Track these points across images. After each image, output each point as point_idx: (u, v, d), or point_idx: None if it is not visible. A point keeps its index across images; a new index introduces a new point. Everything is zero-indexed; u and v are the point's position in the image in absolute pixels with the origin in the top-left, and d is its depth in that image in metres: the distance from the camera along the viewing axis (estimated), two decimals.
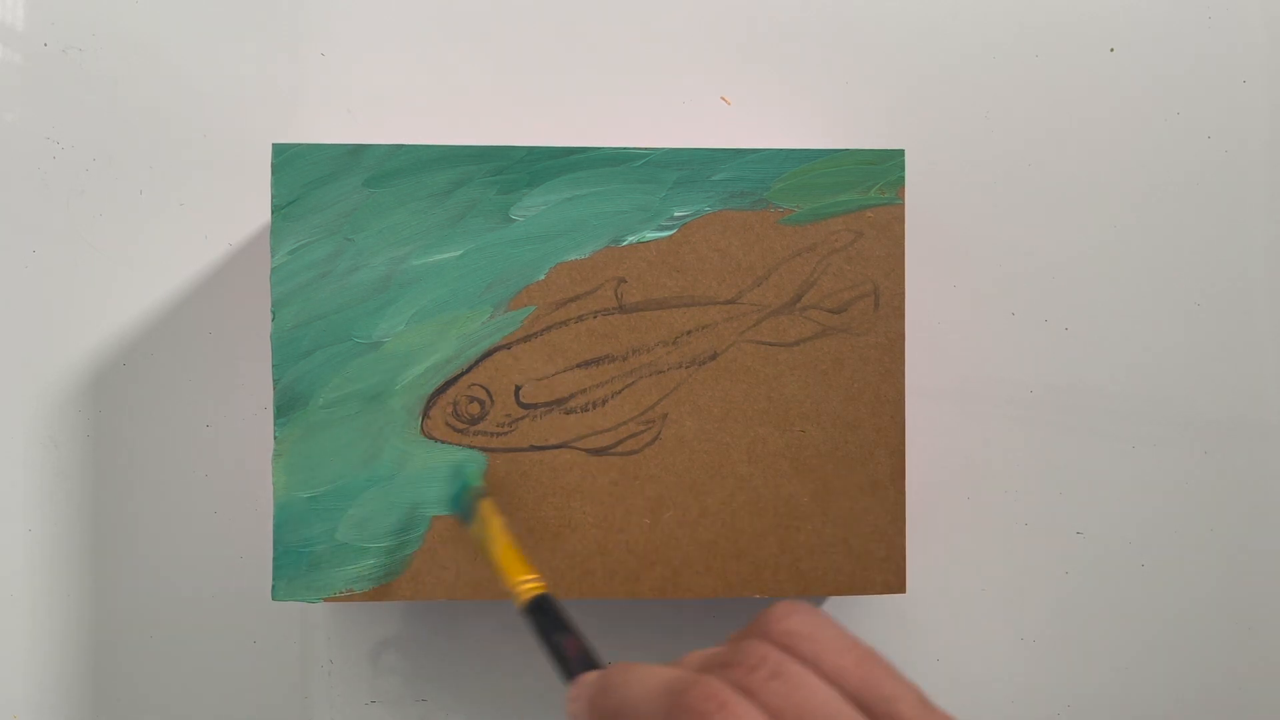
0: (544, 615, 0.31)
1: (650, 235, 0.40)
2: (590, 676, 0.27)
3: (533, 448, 0.40)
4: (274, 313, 0.39)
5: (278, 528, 0.39)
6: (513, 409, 0.40)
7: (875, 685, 0.23)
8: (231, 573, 0.46)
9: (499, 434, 0.40)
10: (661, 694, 0.23)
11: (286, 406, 0.39)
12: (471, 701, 0.47)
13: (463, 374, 0.40)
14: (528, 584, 0.33)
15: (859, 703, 0.23)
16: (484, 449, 0.40)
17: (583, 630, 0.30)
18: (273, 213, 0.39)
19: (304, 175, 0.40)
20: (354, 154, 0.40)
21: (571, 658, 0.29)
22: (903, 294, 0.41)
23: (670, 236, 0.40)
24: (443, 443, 0.40)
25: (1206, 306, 0.48)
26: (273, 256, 0.39)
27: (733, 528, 0.40)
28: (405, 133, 0.46)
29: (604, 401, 0.40)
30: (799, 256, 0.40)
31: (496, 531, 0.36)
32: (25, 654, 0.46)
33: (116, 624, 0.46)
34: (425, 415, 0.40)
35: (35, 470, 0.46)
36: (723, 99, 0.47)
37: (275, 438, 0.39)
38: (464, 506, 0.39)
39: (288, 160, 0.39)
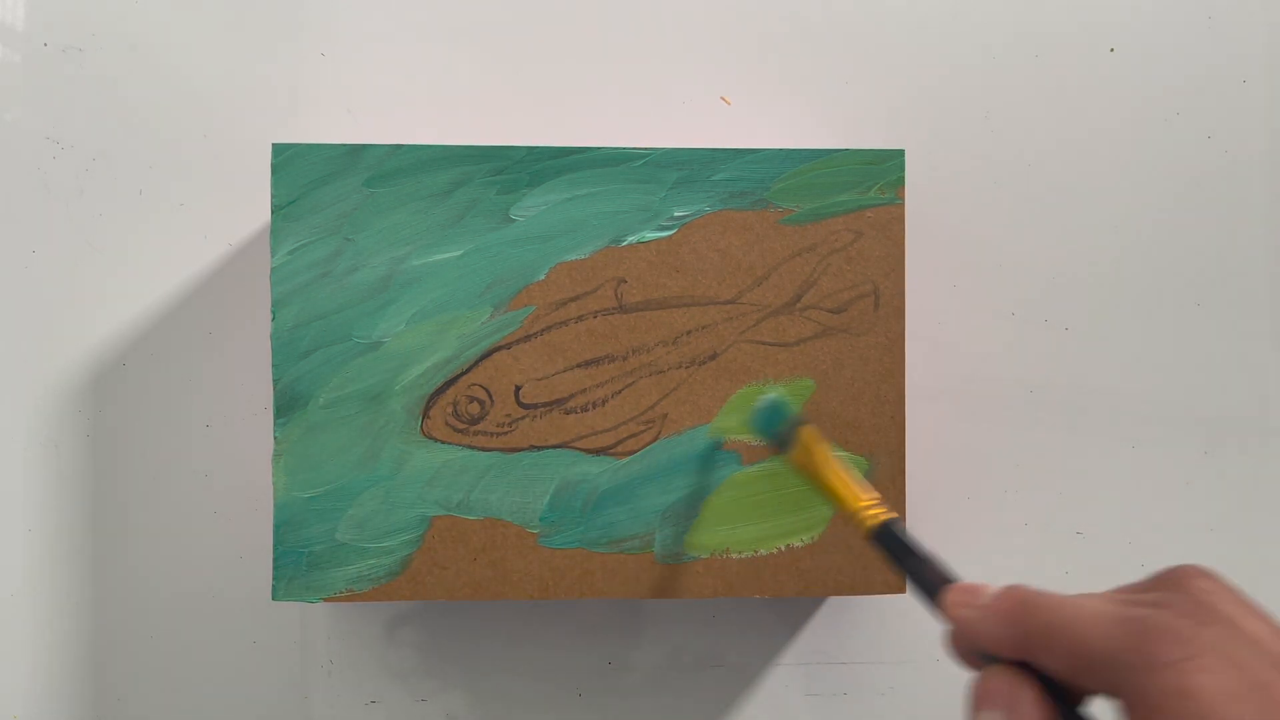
0: (894, 539, 0.30)
1: (650, 235, 0.40)
2: (993, 588, 0.26)
3: (532, 448, 0.40)
4: (274, 313, 0.39)
5: (278, 528, 0.39)
6: (513, 409, 0.40)
7: None
8: (231, 573, 0.46)
9: (499, 434, 0.40)
10: (1116, 624, 0.22)
11: (286, 406, 0.39)
12: (472, 701, 0.47)
13: (462, 374, 0.40)
14: (871, 509, 0.32)
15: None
16: (484, 449, 0.40)
17: (936, 553, 0.29)
18: (273, 213, 0.39)
19: (304, 175, 0.40)
20: (354, 154, 0.40)
21: (931, 578, 0.28)
22: (903, 294, 0.41)
23: (670, 236, 0.40)
24: (443, 443, 0.40)
25: (1206, 306, 0.48)
26: (273, 256, 0.39)
27: None
28: (405, 133, 0.46)
29: (604, 401, 0.40)
30: (799, 256, 0.40)
31: (825, 457, 0.35)
32: (25, 654, 0.46)
33: (116, 624, 0.46)
34: (425, 415, 0.40)
35: (35, 470, 0.46)
36: (723, 99, 0.47)
37: (275, 438, 0.39)
38: (781, 434, 0.37)
39: (288, 160, 0.39)
